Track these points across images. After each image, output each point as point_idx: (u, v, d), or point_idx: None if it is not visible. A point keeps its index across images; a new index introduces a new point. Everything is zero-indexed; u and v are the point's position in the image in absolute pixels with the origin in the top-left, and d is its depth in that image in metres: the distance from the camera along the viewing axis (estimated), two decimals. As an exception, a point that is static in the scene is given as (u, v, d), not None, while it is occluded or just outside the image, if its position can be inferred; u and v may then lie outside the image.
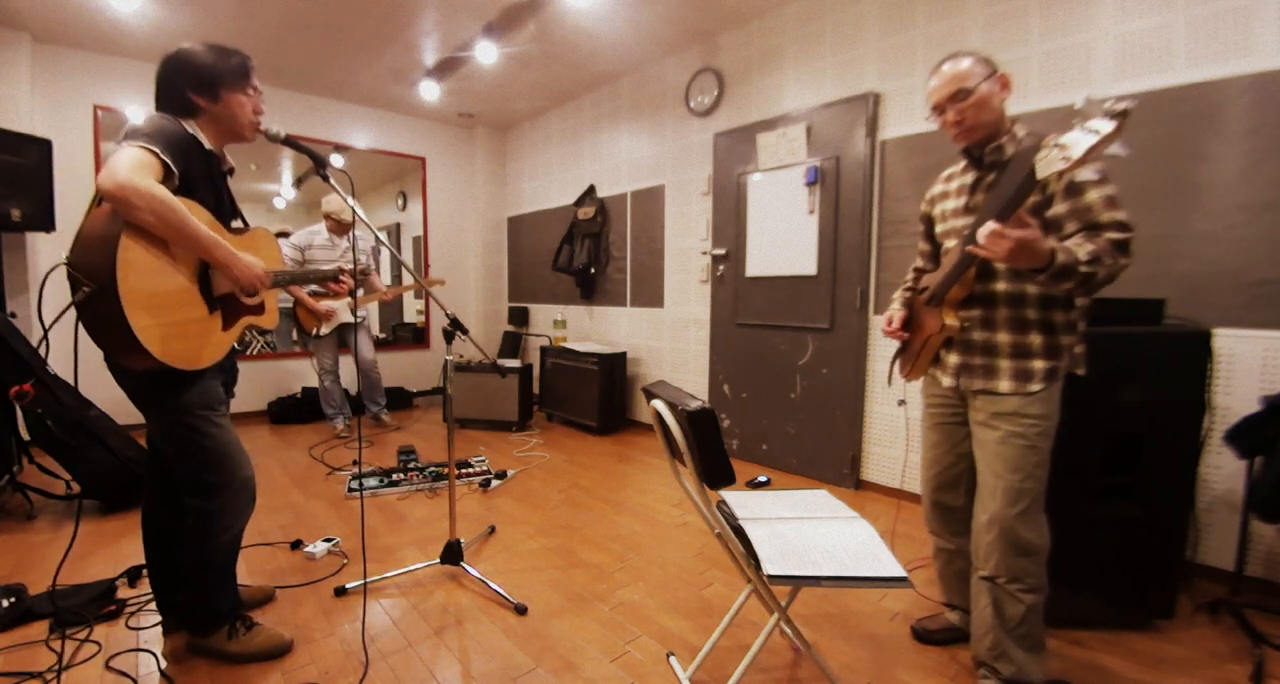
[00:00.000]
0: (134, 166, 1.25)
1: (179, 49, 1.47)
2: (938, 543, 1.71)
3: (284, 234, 4.18)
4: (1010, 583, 1.40)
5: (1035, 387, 1.38)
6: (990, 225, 1.21)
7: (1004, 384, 1.41)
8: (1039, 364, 1.38)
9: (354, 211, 1.70)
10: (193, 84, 1.46)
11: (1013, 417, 1.39)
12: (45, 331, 1.26)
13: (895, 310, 1.67)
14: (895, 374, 1.74)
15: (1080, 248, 1.22)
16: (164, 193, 1.27)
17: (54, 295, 1.24)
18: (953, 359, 1.52)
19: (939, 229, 1.61)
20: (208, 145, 1.50)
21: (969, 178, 1.51)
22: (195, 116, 1.48)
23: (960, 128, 1.44)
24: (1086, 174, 1.29)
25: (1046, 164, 1.12)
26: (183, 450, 1.50)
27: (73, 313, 1.26)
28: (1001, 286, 1.41)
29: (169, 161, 1.33)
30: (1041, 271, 1.22)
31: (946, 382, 1.54)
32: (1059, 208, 1.32)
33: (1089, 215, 1.29)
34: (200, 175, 1.46)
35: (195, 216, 1.36)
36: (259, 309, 1.65)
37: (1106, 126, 1.04)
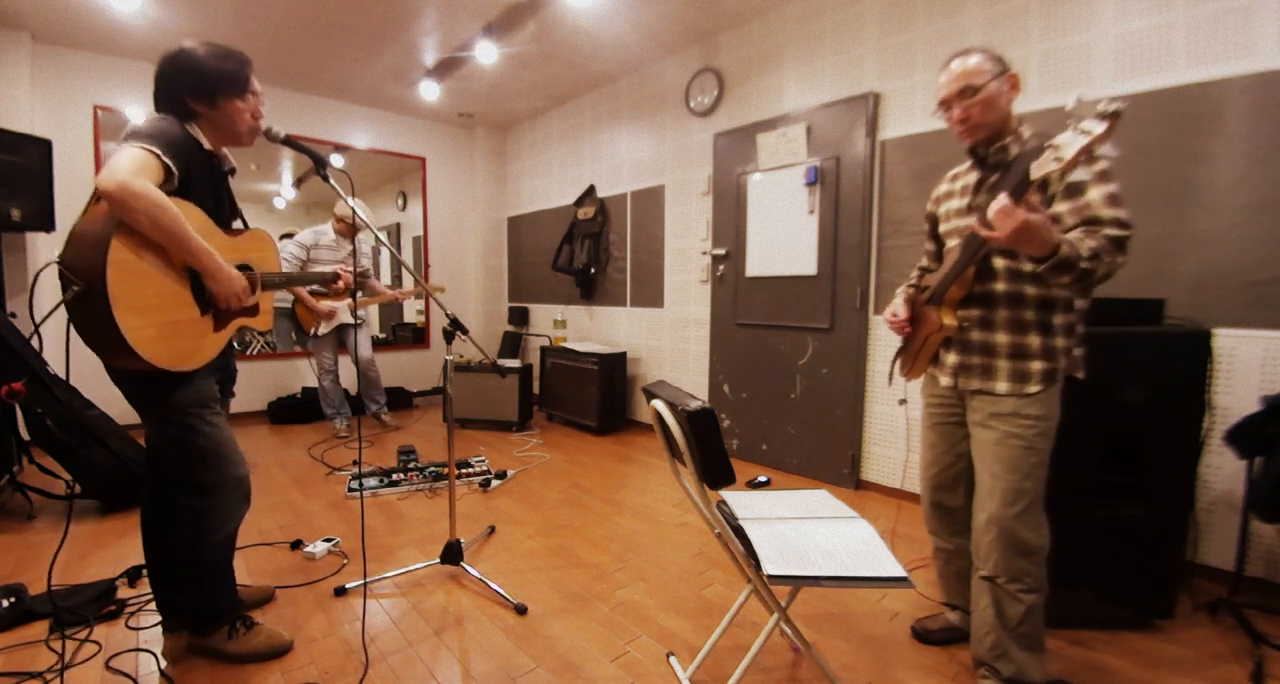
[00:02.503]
0: (135, 168, 1.26)
1: (179, 49, 1.46)
2: (937, 543, 1.71)
3: (289, 236, 4.18)
4: (1010, 583, 1.40)
5: (1033, 388, 1.38)
6: (1002, 199, 1.18)
7: (1001, 385, 1.41)
8: (1037, 365, 1.38)
9: (354, 212, 1.70)
10: (190, 91, 1.45)
11: (1010, 417, 1.39)
12: (36, 327, 1.26)
13: (898, 306, 1.67)
14: (895, 373, 1.74)
15: (1083, 243, 1.22)
16: (161, 197, 1.27)
17: (52, 295, 1.24)
18: (951, 359, 1.52)
19: (943, 228, 1.61)
20: (207, 146, 1.50)
21: (973, 178, 1.51)
22: (194, 121, 1.48)
23: (965, 125, 1.43)
24: (1085, 173, 1.29)
25: (1040, 165, 1.13)
26: (176, 449, 1.50)
27: (64, 311, 1.26)
28: (1001, 287, 1.41)
29: (169, 163, 1.33)
30: (1043, 261, 1.20)
31: (945, 381, 1.55)
32: (1060, 206, 1.32)
33: (1089, 212, 1.29)
34: (200, 176, 1.47)
35: (187, 217, 1.36)
36: (252, 311, 1.65)
37: (1097, 127, 1.05)
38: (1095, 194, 1.29)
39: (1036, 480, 1.39)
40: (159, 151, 1.32)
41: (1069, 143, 1.08)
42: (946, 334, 1.49)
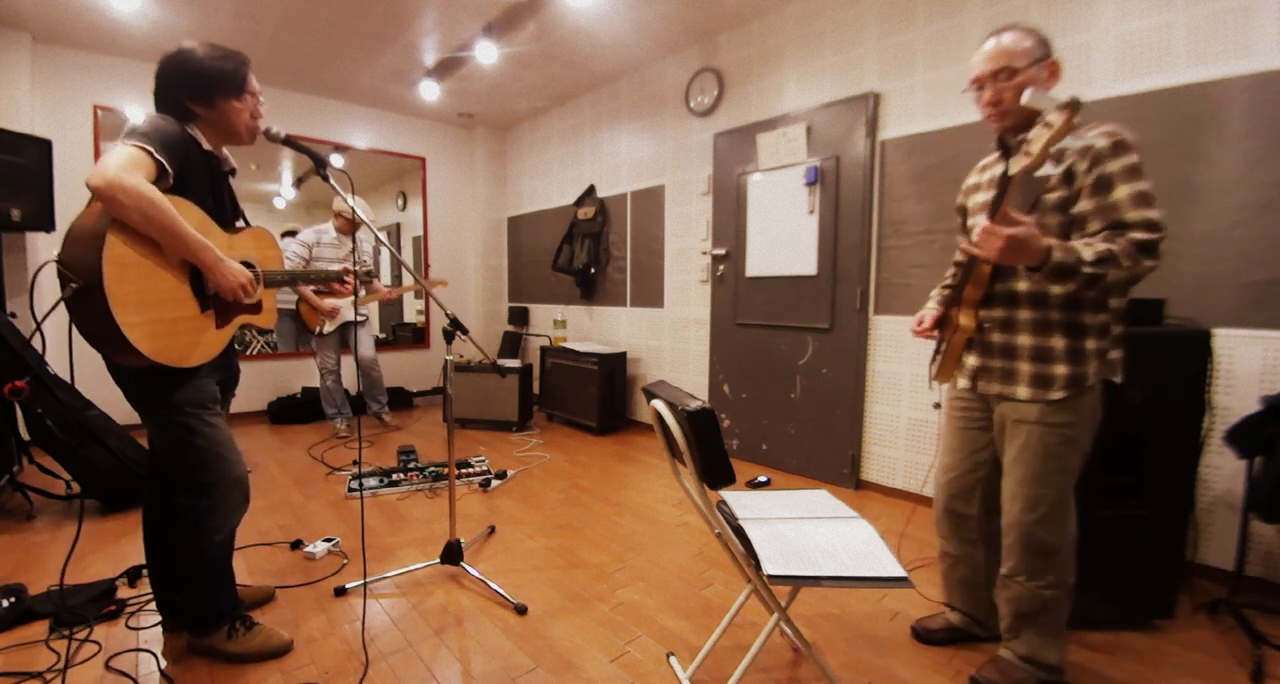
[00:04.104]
0: (125, 164, 1.26)
1: (178, 50, 1.46)
2: (944, 547, 1.70)
3: (291, 233, 4.18)
4: (1030, 581, 1.41)
5: (1056, 394, 1.32)
6: (982, 222, 1.22)
7: (1022, 390, 1.36)
8: (1061, 370, 1.32)
9: (354, 212, 1.70)
10: (189, 92, 1.46)
11: (1034, 425, 1.35)
12: (38, 325, 1.27)
13: (929, 309, 1.61)
14: (930, 375, 1.69)
15: (1088, 248, 1.17)
16: (153, 192, 1.27)
17: (52, 294, 1.24)
18: (971, 361, 1.48)
19: (970, 222, 1.56)
20: (206, 146, 1.50)
21: (1000, 169, 1.44)
22: (194, 122, 1.49)
23: (995, 109, 1.35)
24: (1117, 166, 1.22)
25: (1015, 161, 1.15)
26: (175, 449, 1.50)
27: (64, 310, 1.26)
28: (1023, 286, 1.35)
29: (163, 161, 1.33)
30: (1036, 270, 1.19)
31: (963, 384, 1.51)
32: (1085, 203, 1.26)
33: (1115, 213, 1.22)
34: (198, 176, 1.46)
35: (186, 216, 1.36)
36: (255, 308, 1.65)
37: (1057, 120, 1.06)
38: (1123, 193, 1.21)
39: (1058, 487, 1.35)
40: (152, 149, 1.31)
41: (1036, 138, 1.09)
42: (965, 336, 1.44)
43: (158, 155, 1.32)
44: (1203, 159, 2.00)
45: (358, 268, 1.91)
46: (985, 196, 1.47)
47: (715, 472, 1.27)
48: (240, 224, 1.67)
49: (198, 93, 1.46)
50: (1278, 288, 1.89)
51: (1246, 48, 1.92)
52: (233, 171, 1.64)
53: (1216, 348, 1.95)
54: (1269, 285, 1.90)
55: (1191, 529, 1.94)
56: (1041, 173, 1.28)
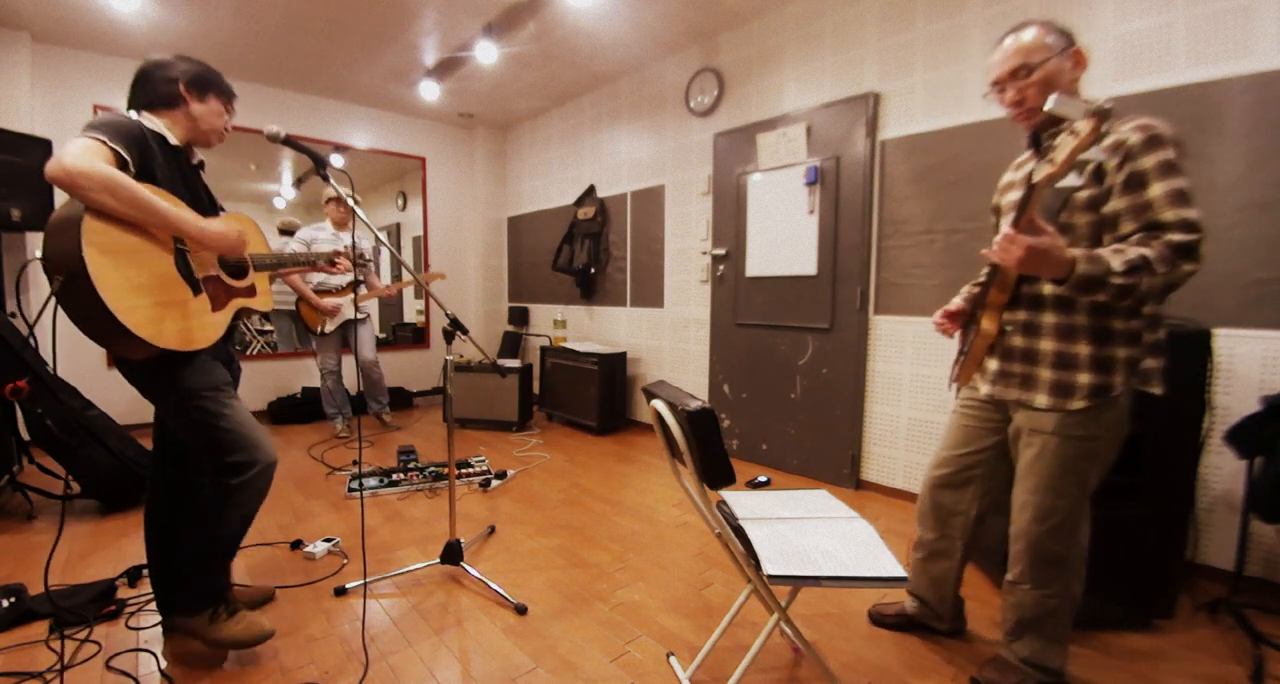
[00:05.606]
0: (79, 152, 1.26)
1: (175, 55, 1.53)
2: (923, 536, 1.68)
3: (288, 232, 4.18)
4: (1035, 588, 1.40)
5: (1077, 404, 1.27)
6: (1004, 229, 1.17)
7: (1041, 398, 1.32)
8: (1084, 378, 1.26)
9: (355, 212, 1.69)
10: (188, 78, 1.51)
11: (1051, 436, 1.31)
12: (30, 327, 1.27)
13: (954, 303, 1.57)
14: (952, 377, 1.65)
15: (1117, 256, 1.10)
16: (113, 171, 1.27)
17: (42, 293, 1.24)
18: (992, 365, 1.44)
19: (1003, 222, 1.52)
20: (173, 141, 1.51)
21: (1032, 166, 1.39)
22: (173, 108, 1.51)
23: (1020, 109, 1.30)
24: (1152, 162, 1.16)
25: (1039, 169, 1.10)
26: (200, 432, 1.49)
27: (62, 311, 1.26)
28: (1049, 289, 1.29)
29: (119, 149, 1.34)
30: (1061, 282, 1.13)
31: (984, 389, 1.47)
32: (1117, 203, 1.19)
33: (1149, 214, 1.15)
34: (166, 169, 1.47)
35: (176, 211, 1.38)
36: (249, 291, 1.64)
37: (1084, 127, 1.01)
38: (1159, 191, 1.14)
39: (1072, 499, 1.33)
40: (105, 138, 1.32)
41: (1061, 146, 1.05)
42: (987, 341, 1.40)
43: (111, 143, 1.32)
44: (1203, 159, 2.00)
45: (351, 253, 1.91)
46: (1018, 195, 1.42)
47: (715, 472, 1.27)
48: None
49: (198, 81, 1.52)
50: (1278, 288, 1.89)
51: (1246, 48, 1.92)
52: (201, 165, 1.65)
53: (1216, 348, 1.95)
54: (1269, 285, 1.90)
55: (1191, 529, 1.94)
56: (1064, 184, 1.23)
